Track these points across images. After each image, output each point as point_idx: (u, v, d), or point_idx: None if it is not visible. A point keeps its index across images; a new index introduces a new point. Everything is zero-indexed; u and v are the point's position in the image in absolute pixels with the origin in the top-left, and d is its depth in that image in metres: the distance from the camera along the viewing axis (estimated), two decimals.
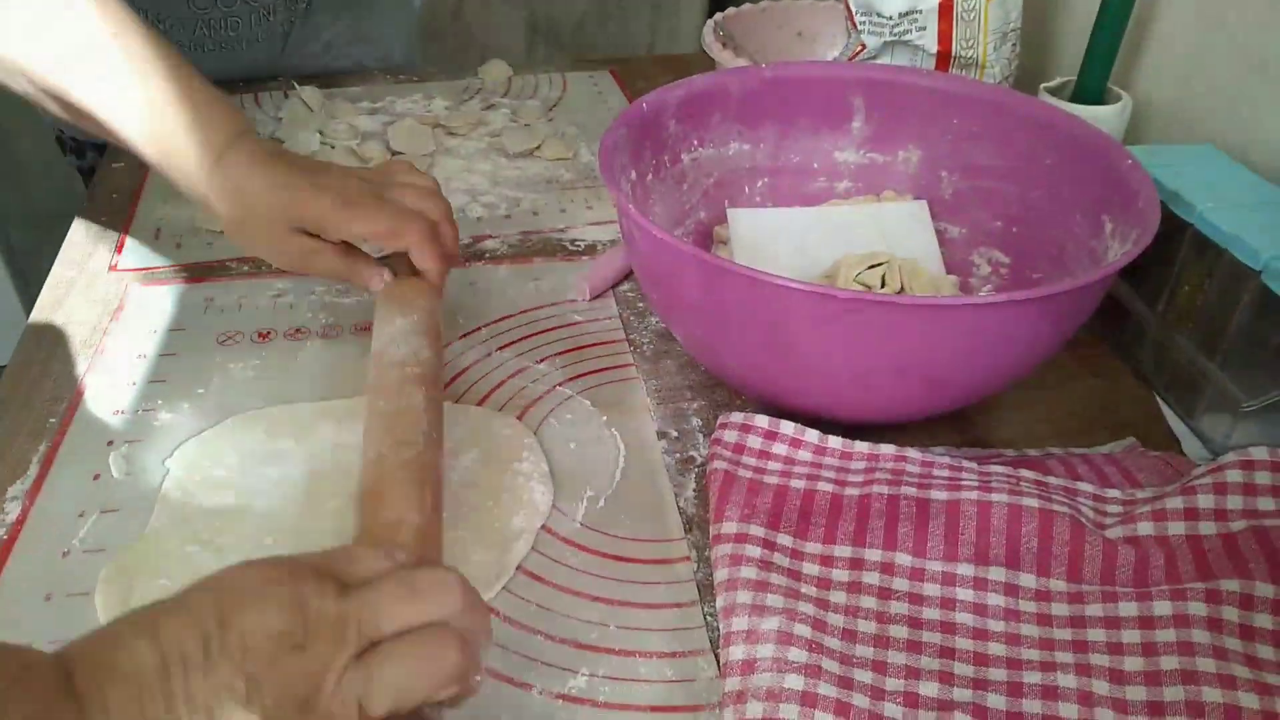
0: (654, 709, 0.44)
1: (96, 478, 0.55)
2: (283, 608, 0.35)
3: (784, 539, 0.48)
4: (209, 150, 0.57)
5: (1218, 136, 0.71)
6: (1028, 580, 0.46)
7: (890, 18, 0.76)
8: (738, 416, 0.55)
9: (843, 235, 0.67)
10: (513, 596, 0.49)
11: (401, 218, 0.58)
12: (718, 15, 0.89)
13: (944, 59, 0.77)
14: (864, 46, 0.78)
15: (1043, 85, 0.75)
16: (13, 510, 0.53)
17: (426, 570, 0.39)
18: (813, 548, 0.48)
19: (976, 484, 0.50)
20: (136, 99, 0.56)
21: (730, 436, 0.54)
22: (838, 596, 0.46)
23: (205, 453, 0.56)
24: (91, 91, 0.56)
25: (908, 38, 0.76)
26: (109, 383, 0.61)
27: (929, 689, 0.42)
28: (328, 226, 0.58)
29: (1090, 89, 0.73)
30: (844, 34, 0.80)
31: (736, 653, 0.43)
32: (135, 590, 0.48)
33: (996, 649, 0.44)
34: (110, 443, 0.57)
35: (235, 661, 0.34)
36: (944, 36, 0.76)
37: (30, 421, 0.59)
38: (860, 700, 0.41)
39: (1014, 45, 0.78)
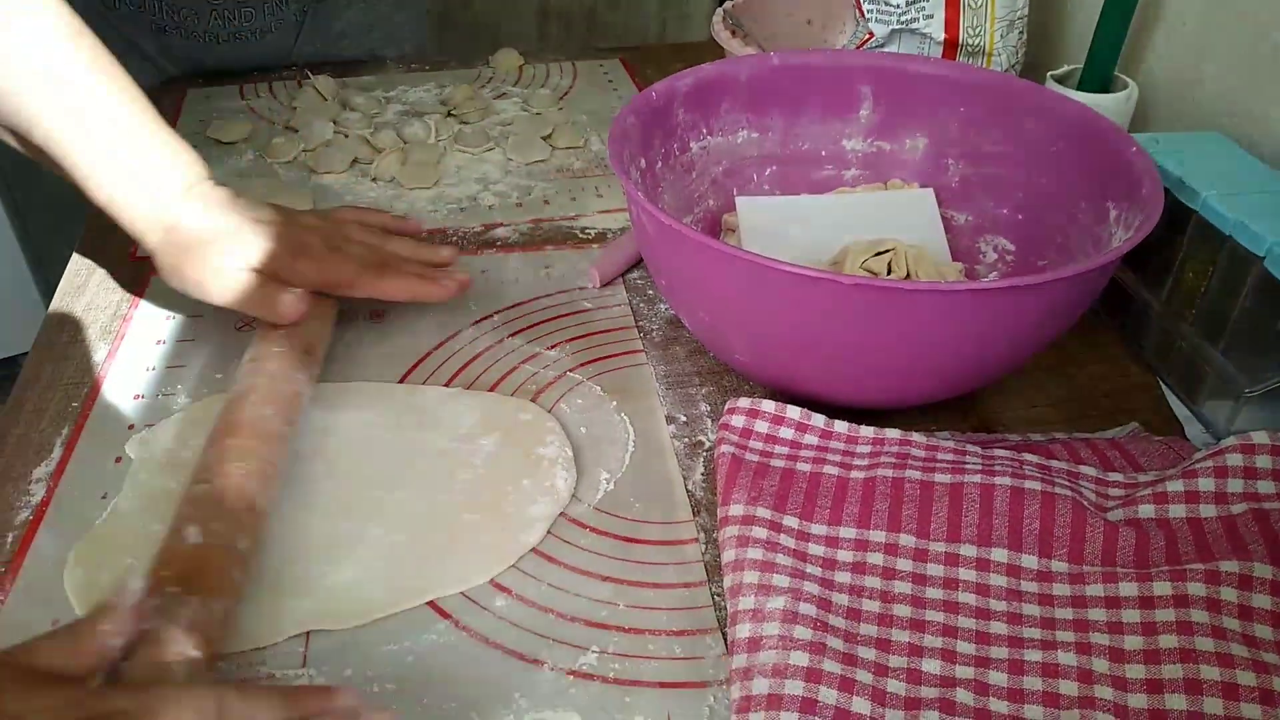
0: (662, 685, 0.45)
1: (118, 461, 0.56)
2: None
3: (790, 521, 0.49)
4: (164, 194, 0.58)
5: (1224, 124, 0.71)
6: (1029, 561, 0.47)
7: (898, 5, 0.77)
8: (745, 401, 0.55)
9: (850, 223, 0.68)
10: (525, 576, 0.50)
11: (351, 266, 0.61)
12: (727, 3, 0.89)
13: (951, 47, 0.77)
14: (872, 34, 0.78)
15: (1050, 73, 0.76)
16: (38, 492, 0.54)
17: None
18: (818, 529, 0.49)
19: (980, 467, 0.51)
20: (98, 138, 0.56)
21: (737, 421, 0.55)
22: (842, 576, 0.47)
23: (171, 435, 0.57)
24: (52, 124, 0.56)
25: (915, 25, 0.77)
26: (129, 368, 0.63)
27: (931, 666, 0.43)
28: (280, 271, 0.59)
29: (1097, 77, 0.73)
30: (852, 22, 0.81)
31: (743, 631, 0.44)
32: (104, 570, 0.49)
33: (998, 628, 0.45)
34: (131, 427, 0.58)
35: None
36: (951, 24, 0.76)
37: (53, 406, 0.60)
38: (864, 676, 0.42)
39: (1021, 33, 0.78)
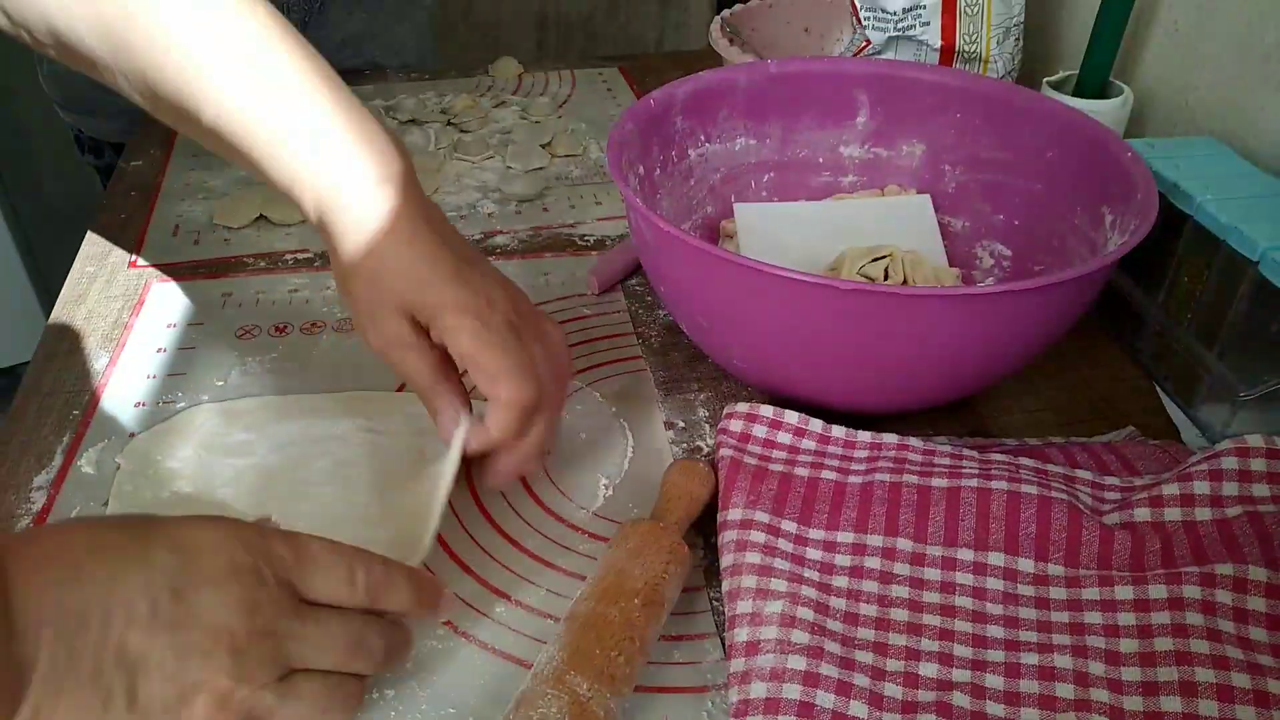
0: (661, 690, 0.45)
1: (119, 468, 0.56)
2: (237, 607, 0.37)
3: (788, 525, 0.49)
4: (338, 186, 0.49)
5: (1219, 129, 0.71)
6: (1026, 565, 0.48)
7: (894, 13, 0.77)
8: (743, 406, 0.56)
9: (847, 229, 0.68)
10: (523, 581, 0.50)
11: (531, 384, 0.48)
12: (725, 11, 0.90)
13: (948, 54, 0.78)
14: (869, 42, 0.79)
15: (1045, 79, 0.76)
16: (38, 500, 0.54)
17: (379, 631, 0.42)
18: (816, 534, 0.49)
19: (977, 472, 0.51)
20: (296, 113, 0.49)
21: (736, 426, 0.55)
22: (840, 581, 0.47)
23: (155, 446, 0.57)
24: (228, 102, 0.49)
25: (911, 33, 0.77)
26: (130, 376, 0.63)
27: (929, 669, 0.43)
28: (448, 339, 0.48)
29: (1092, 83, 0.74)
30: (849, 29, 0.81)
31: (741, 635, 0.44)
32: None
33: (995, 631, 0.45)
34: (132, 434, 0.59)
35: (174, 636, 0.36)
36: (947, 31, 0.77)
37: (54, 414, 0.60)
38: (861, 680, 0.42)
39: (1017, 40, 0.79)
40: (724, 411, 0.56)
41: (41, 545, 0.36)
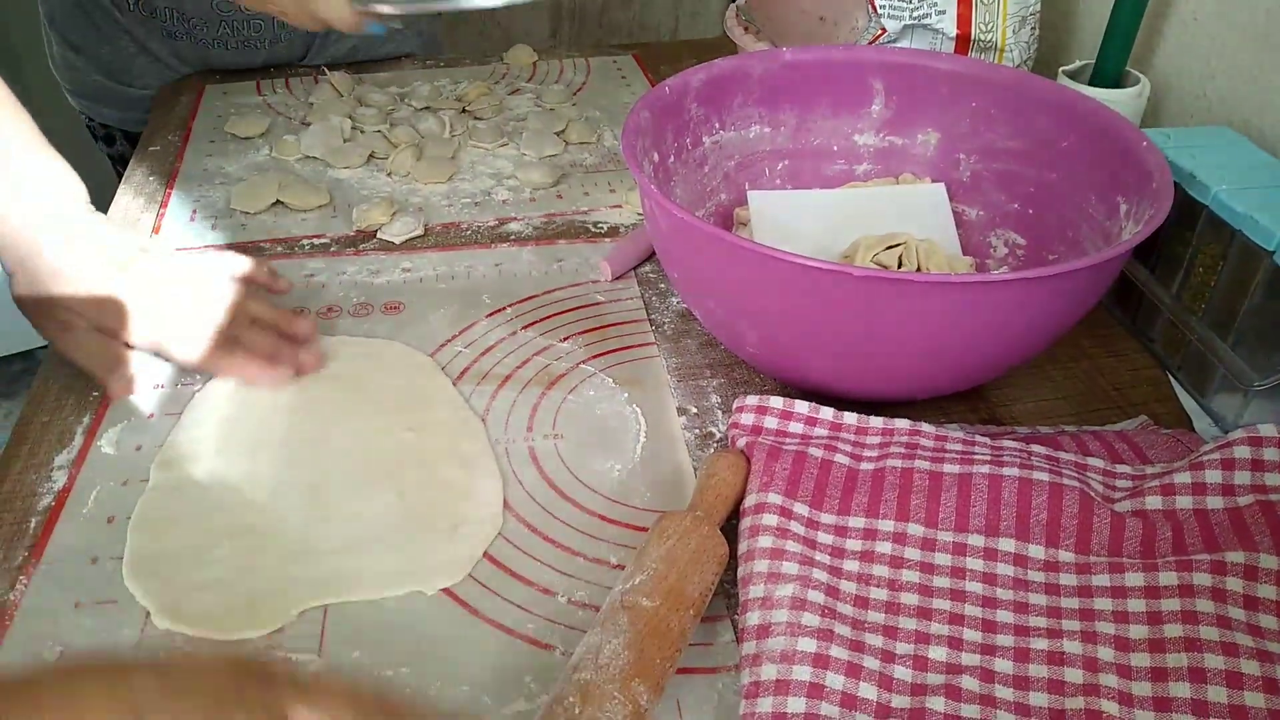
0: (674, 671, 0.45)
1: (138, 449, 0.57)
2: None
3: (800, 509, 0.49)
4: (26, 219, 0.58)
5: (1236, 119, 0.71)
6: (1036, 551, 0.48)
7: (910, 1, 0.77)
8: (752, 400, 0.56)
9: (861, 217, 0.68)
10: (539, 564, 0.51)
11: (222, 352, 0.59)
12: (740, 0, 0.90)
13: (963, 42, 0.78)
14: (884, 30, 0.78)
15: (1061, 68, 0.76)
16: (59, 479, 0.55)
17: None
18: (827, 518, 0.50)
19: (989, 458, 0.51)
20: None
21: (746, 419, 0.55)
22: (851, 565, 0.48)
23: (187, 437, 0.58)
24: None
25: (927, 21, 0.77)
26: (148, 358, 0.63)
27: (938, 653, 0.44)
28: (119, 331, 0.59)
29: (1108, 72, 0.74)
30: (865, 17, 0.81)
31: (753, 618, 0.44)
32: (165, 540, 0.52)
33: (1005, 616, 0.45)
34: (151, 415, 0.59)
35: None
36: (963, 20, 0.77)
37: (74, 395, 0.61)
38: (871, 663, 0.43)
39: (1033, 29, 0.79)
40: (734, 405, 0.56)
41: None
